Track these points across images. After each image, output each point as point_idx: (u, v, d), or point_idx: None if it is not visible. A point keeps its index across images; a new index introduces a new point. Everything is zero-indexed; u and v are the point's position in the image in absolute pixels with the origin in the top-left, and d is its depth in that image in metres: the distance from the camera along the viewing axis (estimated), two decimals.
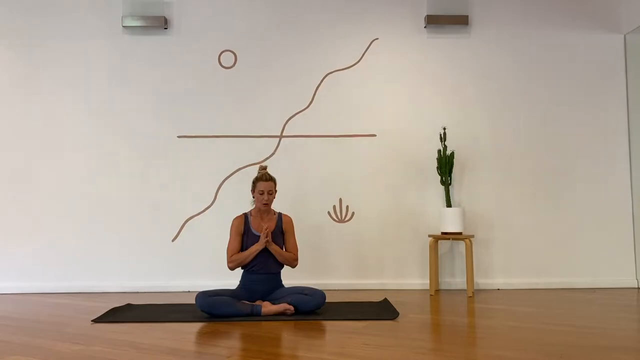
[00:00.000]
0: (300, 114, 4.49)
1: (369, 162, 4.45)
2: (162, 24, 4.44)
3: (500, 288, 4.32)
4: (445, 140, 4.23)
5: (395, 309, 3.31)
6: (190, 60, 4.51)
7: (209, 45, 4.53)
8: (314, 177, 4.44)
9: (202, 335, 2.76)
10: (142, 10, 4.47)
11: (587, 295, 3.97)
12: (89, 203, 4.38)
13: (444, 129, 4.26)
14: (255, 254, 3.33)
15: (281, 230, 3.49)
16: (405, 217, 4.42)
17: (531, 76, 4.53)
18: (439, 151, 4.25)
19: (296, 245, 3.50)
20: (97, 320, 3.08)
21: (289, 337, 2.70)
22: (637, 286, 4.35)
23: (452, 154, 4.24)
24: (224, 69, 4.52)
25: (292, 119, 4.48)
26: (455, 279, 4.37)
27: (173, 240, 4.38)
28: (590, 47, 4.55)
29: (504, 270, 4.37)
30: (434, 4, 4.50)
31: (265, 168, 3.52)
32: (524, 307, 3.51)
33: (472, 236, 4.14)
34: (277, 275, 3.45)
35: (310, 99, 4.51)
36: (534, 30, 4.55)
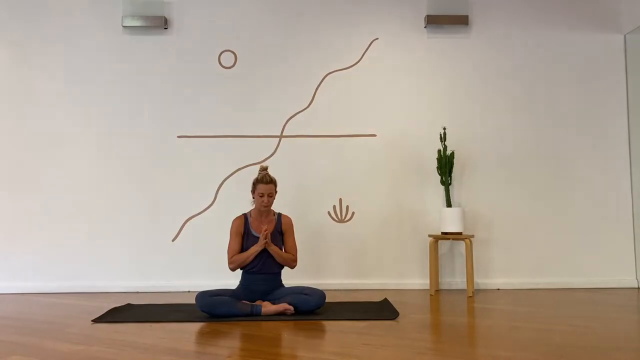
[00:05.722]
0: (300, 114, 4.49)
1: (369, 162, 4.45)
2: (162, 24, 4.45)
3: (500, 288, 4.32)
4: (445, 140, 4.23)
5: (395, 309, 3.31)
6: (190, 60, 4.51)
7: (209, 45, 4.53)
8: (314, 177, 4.44)
9: (202, 335, 2.76)
10: (142, 10, 4.47)
11: (587, 295, 3.97)
12: (89, 203, 4.38)
13: (444, 129, 4.26)
14: (254, 255, 3.33)
15: (280, 231, 3.49)
16: (405, 217, 4.42)
17: (531, 76, 4.53)
18: (439, 151, 4.25)
19: (295, 246, 3.49)
20: (97, 320, 3.08)
21: (289, 337, 2.70)
22: (637, 286, 4.35)
23: (452, 154, 4.24)
24: (224, 69, 4.52)
25: (292, 119, 4.48)
26: (455, 279, 4.37)
27: (173, 240, 4.38)
28: (590, 47, 4.55)
29: (504, 270, 4.37)
30: (434, 4, 4.50)
31: (265, 169, 3.50)
32: (524, 307, 3.51)
33: (472, 236, 4.14)
34: (277, 275, 3.45)
35: (310, 99, 4.51)
36: (533, 30, 4.56)
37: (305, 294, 3.23)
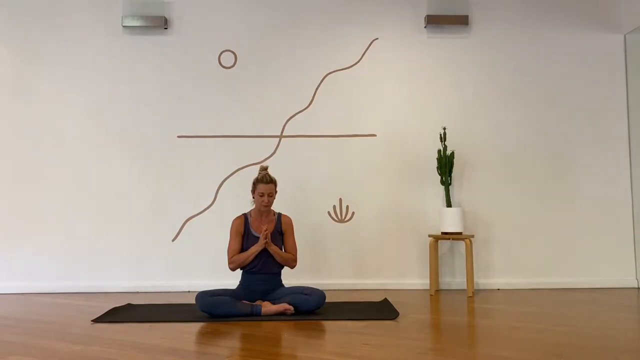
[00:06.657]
0: (300, 114, 4.49)
1: (369, 162, 4.45)
2: (162, 24, 4.45)
3: (500, 288, 4.32)
4: (445, 140, 4.23)
5: (395, 309, 3.31)
6: (190, 60, 4.51)
7: (209, 45, 4.53)
8: (314, 177, 4.44)
9: (202, 335, 2.76)
10: (142, 10, 4.47)
11: (587, 295, 3.97)
12: (89, 203, 4.38)
13: (444, 129, 4.26)
14: (254, 254, 3.33)
15: (280, 231, 3.48)
16: (405, 217, 4.42)
17: (531, 76, 4.53)
18: (439, 151, 4.25)
19: (295, 246, 3.49)
20: (97, 320, 3.08)
21: (289, 337, 2.70)
22: (637, 286, 4.35)
23: (452, 154, 4.24)
24: (224, 69, 4.52)
25: (292, 119, 4.48)
26: (455, 279, 4.37)
27: (173, 240, 4.38)
28: (590, 47, 4.55)
29: (504, 270, 4.37)
30: (434, 4, 4.50)
31: (266, 169, 3.49)
32: (524, 307, 3.51)
33: (472, 236, 4.14)
34: (277, 275, 3.45)
35: (310, 99, 4.51)
36: (533, 30, 4.56)
37: (305, 294, 3.23)
